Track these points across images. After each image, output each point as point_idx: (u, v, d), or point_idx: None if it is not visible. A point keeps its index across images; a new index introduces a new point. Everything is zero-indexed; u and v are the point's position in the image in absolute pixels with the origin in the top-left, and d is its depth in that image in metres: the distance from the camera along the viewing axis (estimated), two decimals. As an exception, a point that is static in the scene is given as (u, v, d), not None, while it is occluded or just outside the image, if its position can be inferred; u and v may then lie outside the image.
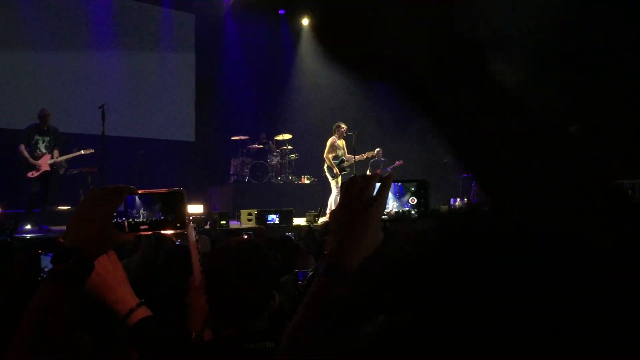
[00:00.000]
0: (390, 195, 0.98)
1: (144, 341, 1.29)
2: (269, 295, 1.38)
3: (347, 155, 9.27)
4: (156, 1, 11.89)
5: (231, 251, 1.42)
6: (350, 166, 9.22)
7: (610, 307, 0.33)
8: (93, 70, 10.85)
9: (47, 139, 7.48)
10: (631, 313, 0.32)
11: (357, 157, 9.25)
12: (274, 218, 8.39)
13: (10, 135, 8.37)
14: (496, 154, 0.42)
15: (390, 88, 0.45)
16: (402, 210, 1.03)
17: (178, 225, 0.99)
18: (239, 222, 8.92)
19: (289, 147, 11.26)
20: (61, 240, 0.90)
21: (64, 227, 0.93)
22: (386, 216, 0.98)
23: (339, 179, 8.99)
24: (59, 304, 0.85)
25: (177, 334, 1.36)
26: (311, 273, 2.29)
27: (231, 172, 11.35)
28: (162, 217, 0.98)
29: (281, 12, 13.12)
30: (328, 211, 8.29)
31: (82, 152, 7.96)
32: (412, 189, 1.03)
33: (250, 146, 11.40)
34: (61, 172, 8.18)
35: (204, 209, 9.00)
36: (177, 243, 2.95)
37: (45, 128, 7.48)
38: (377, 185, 0.91)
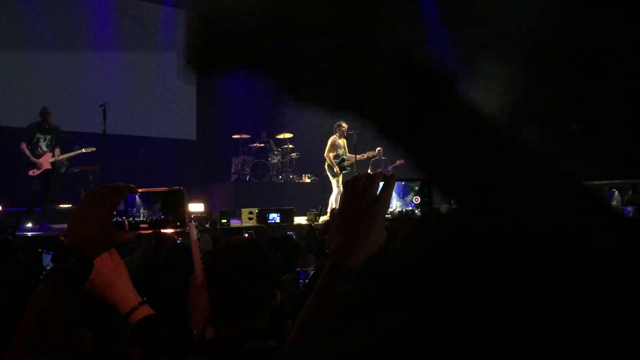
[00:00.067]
0: (394, 194, 0.98)
1: (145, 340, 1.29)
2: (270, 294, 1.37)
3: (347, 154, 9.26)
4: (157, -1, 11.91)
5: (232, 250, 1.42)
6: (351, 165, 9.21)
7: (609, 307, 0.33)
8: (94, 68, 10.85)
9: (48, 137, 7.48)
10: (630, 313, 0.32)
11: (357, 156, 9.24)
12: (274, 217, 8.40)
13: (11, 133, 8.38)
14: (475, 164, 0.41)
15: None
16: (406, 210, 1.02)
17: (178, 224, 0.98)
18: (239, 221, 8.94)
19: (290, 146, 11.28)
20: (62, 238, 0.89)
21: (65, 226, 0.93)
22: (390, 215, 0.97)
23: (340, 177, 8.98)
24: (59, 303, 0.85)
25: (179, 332, 1.36)
26: (312, 272, 2.29)
27: (232, 171, 11.36)
28: (163, 216, 0.98)
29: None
30: (329, 210, 8.29)
31: (84, 150, 7.98)
32: (416, 188, 1.02)
33: (251, 145, 11.41)
34: (62, 171, 8.21)
35: (205, 207, 9.00)
36: (178, 242, 2.94)
37: (47, 126, 7.48)
38: (381, 184, 0.90)
